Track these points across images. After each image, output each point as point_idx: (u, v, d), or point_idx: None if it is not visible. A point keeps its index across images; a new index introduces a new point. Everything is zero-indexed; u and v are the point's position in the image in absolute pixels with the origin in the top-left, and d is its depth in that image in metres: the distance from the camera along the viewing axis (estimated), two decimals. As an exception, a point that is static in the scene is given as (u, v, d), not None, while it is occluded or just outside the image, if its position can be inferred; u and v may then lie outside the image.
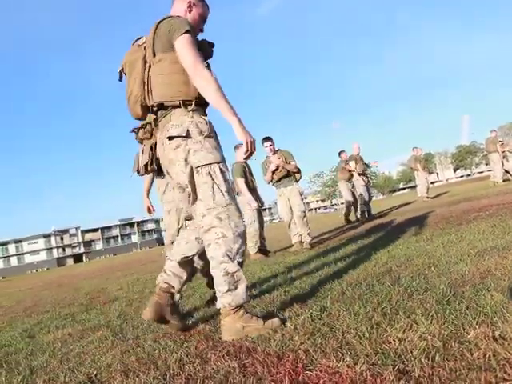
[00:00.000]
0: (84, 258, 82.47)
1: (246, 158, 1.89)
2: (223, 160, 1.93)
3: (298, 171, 5.81)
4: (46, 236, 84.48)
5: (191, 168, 1.87)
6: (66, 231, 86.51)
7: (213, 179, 1.86)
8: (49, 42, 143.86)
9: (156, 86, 1.94)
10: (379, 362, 1.26)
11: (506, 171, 12.74)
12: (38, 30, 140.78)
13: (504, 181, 12.22)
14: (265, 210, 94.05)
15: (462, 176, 75.06)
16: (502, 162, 12.59)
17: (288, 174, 5.78)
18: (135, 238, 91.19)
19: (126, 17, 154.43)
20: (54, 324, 3.33)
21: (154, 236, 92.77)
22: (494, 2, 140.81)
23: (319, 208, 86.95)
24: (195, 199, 1.89)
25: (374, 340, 1.45)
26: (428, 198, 11.87)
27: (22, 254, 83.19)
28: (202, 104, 1.95)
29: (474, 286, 1.86)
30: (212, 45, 2.06)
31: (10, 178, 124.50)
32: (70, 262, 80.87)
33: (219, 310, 1.90)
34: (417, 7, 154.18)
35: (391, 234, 4.81)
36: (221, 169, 1.88)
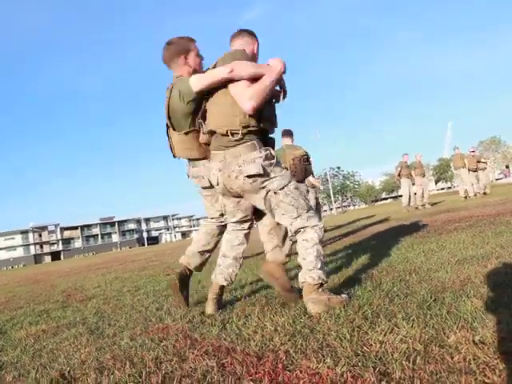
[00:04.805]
0: (62, 255, 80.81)
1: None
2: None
3: None
4: (24, 232, 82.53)
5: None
6: (44, 228, 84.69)
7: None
8: (41, 40, 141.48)
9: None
10: (360, 363, 1.26)
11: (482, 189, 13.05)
12: (30, 29, 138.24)
13: (465, 197, 12.42)
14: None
15: (442, 188, 76.40)
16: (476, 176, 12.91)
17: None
18: (115, 238, 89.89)
19: (118, 17, 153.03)
20: (28, 320, 3.23)
21: (135, 236, 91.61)
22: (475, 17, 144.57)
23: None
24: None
25: (355, 342, 1.44)
26: (422, 206, 11.84)
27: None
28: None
29: (454, 292, 1.87)
30: None
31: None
32: (48, 259, 79.12)
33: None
34: (405, 18, 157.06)
35: (372, 241, 4.84)
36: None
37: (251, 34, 2.34)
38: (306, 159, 5.63)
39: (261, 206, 2.23)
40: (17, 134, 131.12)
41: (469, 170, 12.91)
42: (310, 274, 2.08)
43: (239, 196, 2.28)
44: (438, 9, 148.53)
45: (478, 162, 13.42)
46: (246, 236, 2.47)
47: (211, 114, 2.23)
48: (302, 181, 5.61)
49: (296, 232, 2.19)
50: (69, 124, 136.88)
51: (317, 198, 8.70)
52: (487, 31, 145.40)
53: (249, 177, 2.13)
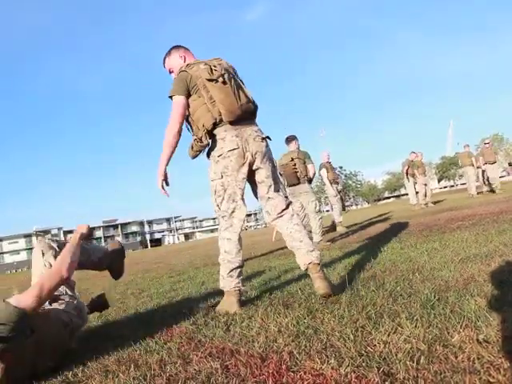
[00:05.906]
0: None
1: None
2: None
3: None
4: (27, 236, 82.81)
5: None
6: (47, 231, 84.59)
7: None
8: (40, 40, 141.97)
9: None
10: (364, 364, 1.26)
11: (489, 183, 12.94)
12: (30, 29, 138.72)
13: (478, 193, 12.32)
14: (250, 215, 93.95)
15: (445, 187, 76.04)
16: (478, 175, 12.82)
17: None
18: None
19: (115, 17, 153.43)
20: (32, 324, 3.23)
21: (138, 238, 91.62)
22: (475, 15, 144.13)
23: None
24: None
25: (359, 343, 1.44)
26: (425, 204, 11.69)
27: (2, 253, 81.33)
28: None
29: (458, 291, 1.87)
30: None
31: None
32: (51, 262, 79.21)
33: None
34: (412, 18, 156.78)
35: (376, 241, 4.83)
36: None
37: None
38: (293, 165, 5.81)
39: (269, 174, 2.39)
40: (17, 134, 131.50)
41: (485, 163, 12.67)
42: (312, 254, 2.26)
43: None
44: (438, 9, 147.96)
45: (496, 153, 13.32)
46: None
47: None
48: (295, 184, 5.87)
49: (287, 206, 2.38)
50: (69, 124, 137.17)
51: (339, 192, 8.85)
52: (487, 31, 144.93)
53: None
